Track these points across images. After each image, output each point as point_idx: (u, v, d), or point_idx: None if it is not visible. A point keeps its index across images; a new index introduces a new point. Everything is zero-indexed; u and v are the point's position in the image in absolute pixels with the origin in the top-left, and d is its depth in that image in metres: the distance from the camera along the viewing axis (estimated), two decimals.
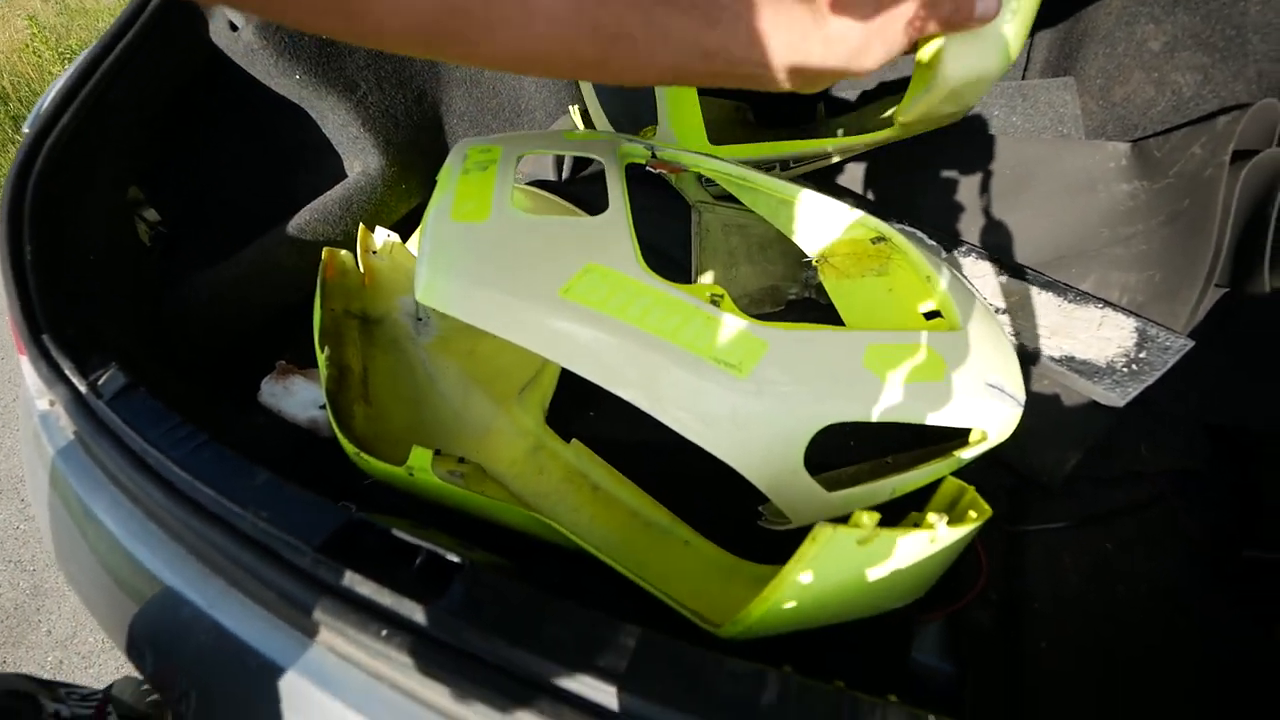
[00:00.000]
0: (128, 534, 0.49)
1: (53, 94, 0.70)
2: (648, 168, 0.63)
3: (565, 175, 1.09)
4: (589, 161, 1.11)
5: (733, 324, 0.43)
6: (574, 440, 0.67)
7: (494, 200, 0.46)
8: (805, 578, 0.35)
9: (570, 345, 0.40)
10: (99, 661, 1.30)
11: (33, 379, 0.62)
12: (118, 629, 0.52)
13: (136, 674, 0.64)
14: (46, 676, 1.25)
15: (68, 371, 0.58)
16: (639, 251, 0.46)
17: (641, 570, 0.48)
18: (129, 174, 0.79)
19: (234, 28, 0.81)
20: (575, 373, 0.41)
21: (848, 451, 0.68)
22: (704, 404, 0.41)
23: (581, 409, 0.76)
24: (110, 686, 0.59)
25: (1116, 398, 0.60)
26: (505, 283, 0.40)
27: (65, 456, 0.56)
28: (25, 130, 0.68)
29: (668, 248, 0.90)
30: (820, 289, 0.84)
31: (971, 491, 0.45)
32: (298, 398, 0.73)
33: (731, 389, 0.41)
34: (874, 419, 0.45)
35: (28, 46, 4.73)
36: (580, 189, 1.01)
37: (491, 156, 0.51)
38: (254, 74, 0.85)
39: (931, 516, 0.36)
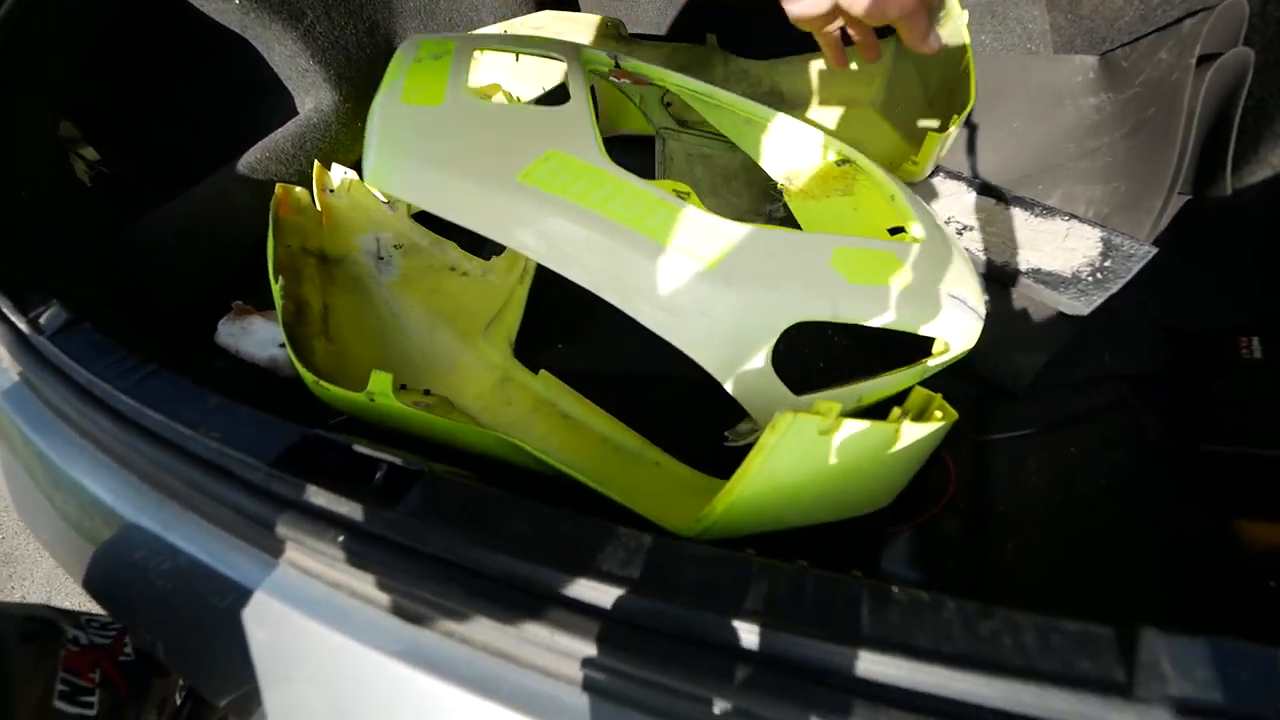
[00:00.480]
0: (77, 468, 0.47)
1: None
2: (610, 78, 0.61)
3: None
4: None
5: (699, 217, 0.42)
6: (542, 371, 0.66)
7: (448, 85, 0.44)
8: (767, 468, 0.34)
9: (528, 230, 0.39)
10: None
11: None
12: (82, 571, 0.51)
13: None
14: None
15: (4, 309, 0.55)
16: (601, 141, 0.44)
17: (609, 487, 0.48)
18: (58, 109, 0.74)
19: None
20: (532, 258, 0.40)
21: (817, 373, 0.68)
22: (669, 293, 0.40)
23: (549, 343, 0.75)
24: None
25: (1081, 306, 0.60)
26: (460, 165, 0.38)
27: (8, 397, 0.54)
28: None
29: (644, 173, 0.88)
30: (785, 221, 0.83)
31: (938, 399, 0.45)
32: (256, 337, 0.70)
33: (698, 278, 0.40)
34: (839, 318, 0.44)
35: None
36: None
37: (446, 48, 0.48)
38: (194, 3, 0.79)
39: (896, 411, 0.36)
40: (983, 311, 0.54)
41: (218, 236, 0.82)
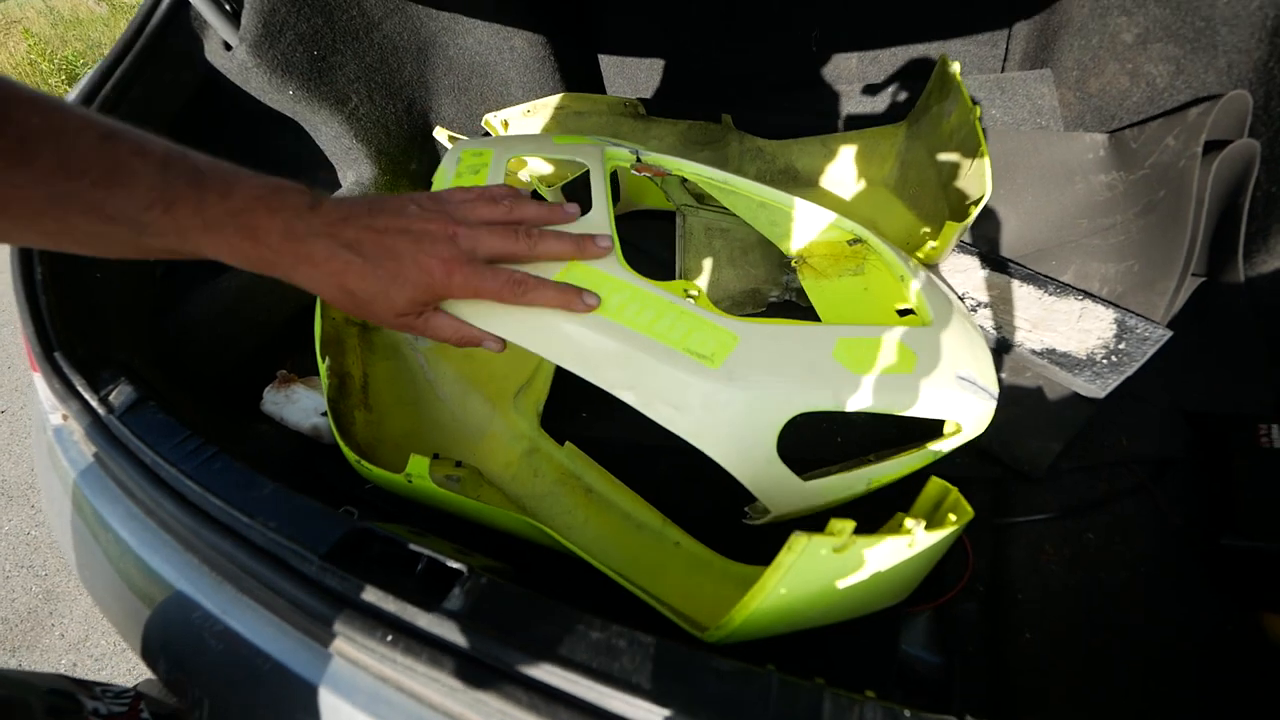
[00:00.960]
0: (142, 544, 0.51)
1: None
2: (633, 171, 0.65)
3: None
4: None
5: (706, 318, 0.45)
6: (567, 443, 0.69)
7: None
8: (784, 585, 0.36)
9: (552, 338, 0.43)
10: (111, 664, 1.33)
11: (46, 395, 0.64)
12: (134, 635, 0.54)
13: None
14: None
15: (79, 388, 0.60)
16: (620, 249, 0.47)
17: (632, 571, 0.50)
18: None
19: (228, 47, 0.83)
20: (558, 365, 0.43)
21: (832, 449, 0.69)
22: (678, 392, 0.43)
23: (574, 411, 0.78)
24: (138, 685, 0.61)
25: (1097, 389, 0.61)
26: None
27: (81, 471, 0.59)
28: None
29: (653, 249, 0.92)
30: (801, 292, 0.86)
31: (955, 493, 0.47)
32: (299, 405, 0.75)
33: (703, 377, 0.43)
34: (844, 408, 0.47)
35: (26, 59, 4.75)
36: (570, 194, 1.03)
37: (483, 160, 0.53)
38: (249, 91, 0.87)
39: (909, 522, 0.38)
40: (995, 393, 0.55)
41: (265, 309, 0.87)
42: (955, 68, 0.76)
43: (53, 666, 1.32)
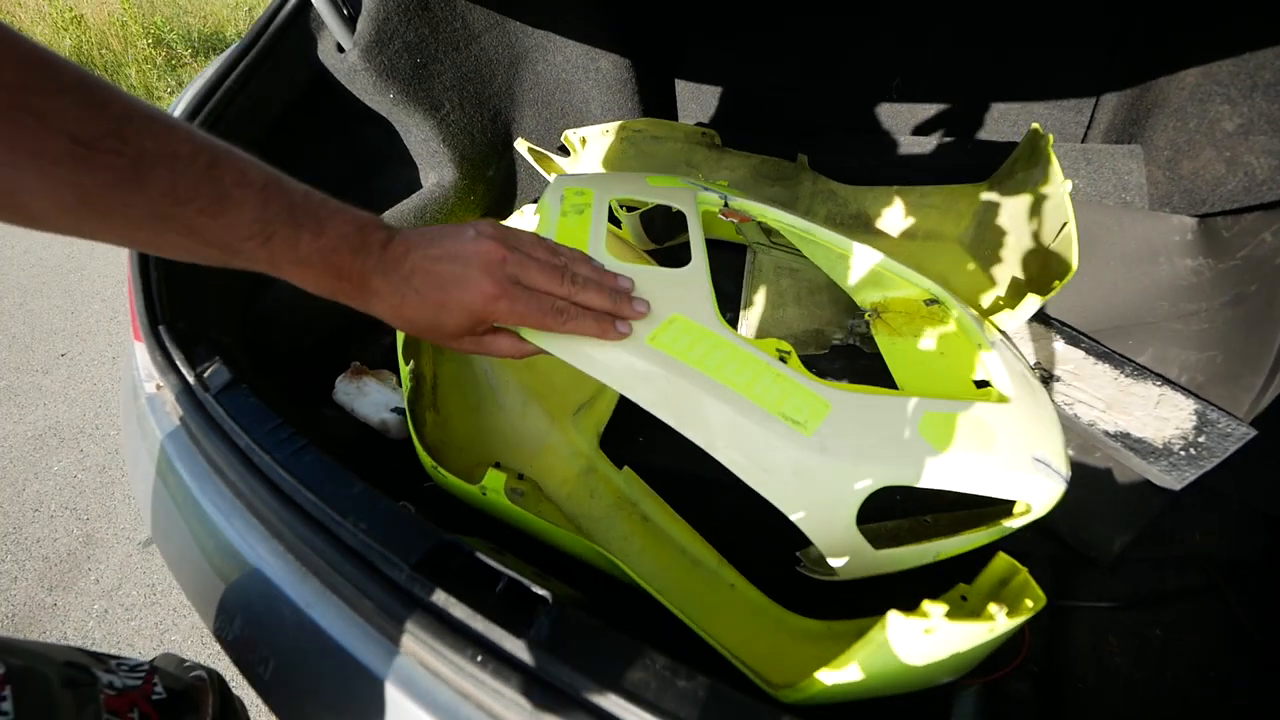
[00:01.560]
0: (225, 520, 0.53)
1: (181, 105, 0.76)
2: (720, 215, 0.66)
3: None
4: None
5: (801, 383, 0.46)
6: (625, 468, 0.70)
7: (589, 245, 0.49)
8: (870, 659, 0.37)
9: (652, 389, 0.44)
10: (140, 615, 1.37)
11: (145, 363, 0.67)
12: (204, 599, 0.56)
13: (176, 652, 0.67)
14: (92, 623, 1.33)
15: (178, 362, 0.63)
16: (717, 305, 0.49)
17: (691, 610, 0.51)
18: None
19: (340, 49, 0.87)
20: (654, 414, 0.44)
21: (891, 504, 0.69)
22: (769, 455, 0.44)
23: (631, 435, 0.79)
24: (154, 659, 0.63)
25: (1173, 481, 0.60)
26: None
27: (172, 441, 0.61)
28: None
29: (720, 282, 0.93)
30: (865, 338, 0.86)
31: (1024, 574, 0.47)
32: (370, 398, 0.77)
33: (796, 444, 0.44)
34: (926, 485, 0.47)
35: (119, 20, 4.99)
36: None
37: (586, 200, 0.54)
38: (353, 91, 0.91)
39: (993, 608, 0.38)
40: (1067, 474, 0.55)
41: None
42: (1048, 140, 0.76)
43: (86, 610, 1.37)
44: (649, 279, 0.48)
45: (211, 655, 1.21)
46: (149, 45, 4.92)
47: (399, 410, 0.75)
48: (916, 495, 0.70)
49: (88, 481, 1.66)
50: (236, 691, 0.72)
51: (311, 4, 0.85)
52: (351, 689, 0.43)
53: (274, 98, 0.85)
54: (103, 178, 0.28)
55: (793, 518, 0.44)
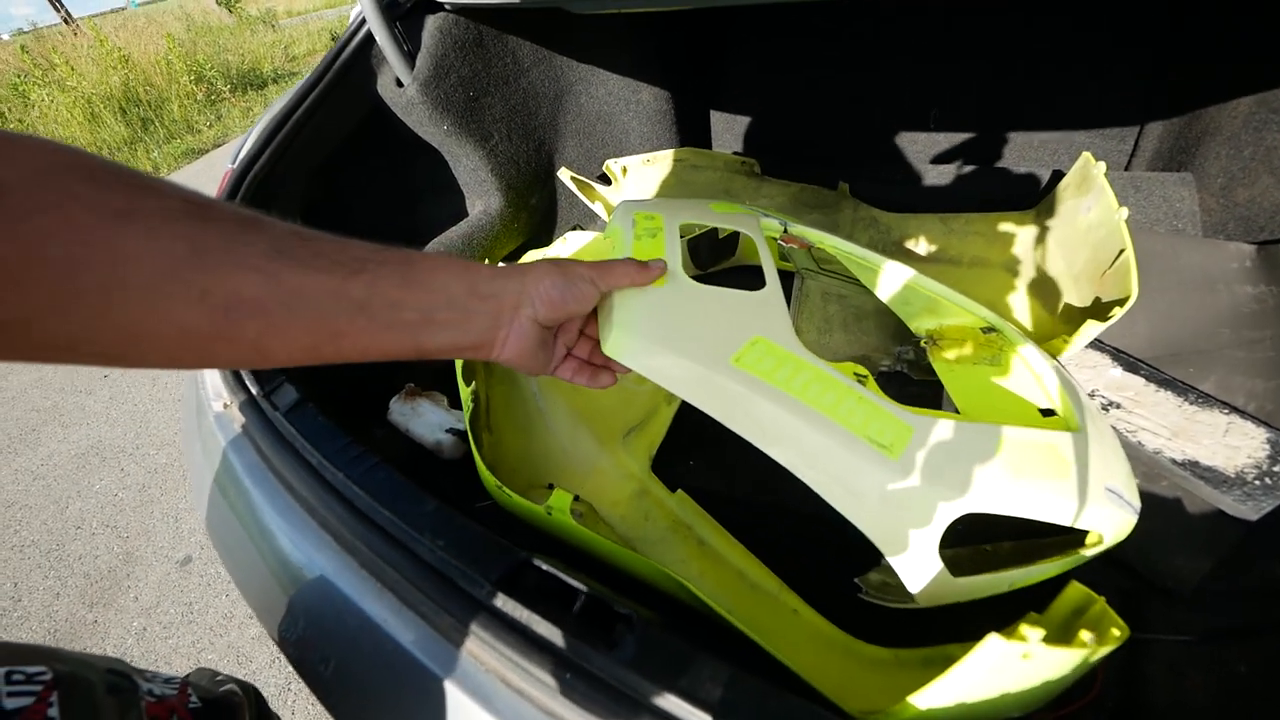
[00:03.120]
0: (299, 540, 0.54)
1: (253, 137, 0.80)
2: (780, 241, 0.67)
3: None
4: None
5: (883, 406, 0.46)
6: (679, 490, 0.70)
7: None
8: (968, 686, 0.36)
9: (738, 409, 0.44)
10: (178, 633, 1.37)
11: (214, 383, 0.69)
12: (271, 613, 0.57)
13: (211, 667, 0.67)
14: (130, 641, 1.34)
15: (247, 381, 0.65)
16: (793, 326, 0.49)
17: (758, 635, 0.50)
18: (297, 208, 0.88)
19: (400, 84, 0.91)
20: (739, 433, 0.44)
21: (953, 533, 0.68)
22: (857, 479, 0.43)
23: (682, 457, 0.79)
24: (187, 675, 0.63)
25: (1249, 511, 0.59)
26: (685, 347, 0.44)
27: (240, 458, 0.63)
28: (230, 165, 0.78)
29: None
30: (913, 365, 0.85)
31: (1101, 603, 0.45)
32: (424, 419, 0.78)
33: (884, 468, 0.43)
34: (1006, 514, 0.46)
35: (164, 58, 5.27)
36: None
37: (657, 224, 0.56)
38: (409, 123, 0.95)
39: (1085, 635, 0.37)
40: (1137, 505, 0.53)
41: None
42: (1100, 168, 0.76)
43: (125, 627, 1.38)
44: (728, 301, 0.49)
45: (249, 674, 1.21)
46: (190, 81, 5.19)
47: (453, 431, 0.76)
48: (978, 524, 0.69)
49: (128, 500, 1.70)
50: (274, 708, 0.71)
51: (374, 41, 0.89)
52: (432, 707, 0.43)
53: (334, 129, 0.89)
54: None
55: (876, 541, 0.44)
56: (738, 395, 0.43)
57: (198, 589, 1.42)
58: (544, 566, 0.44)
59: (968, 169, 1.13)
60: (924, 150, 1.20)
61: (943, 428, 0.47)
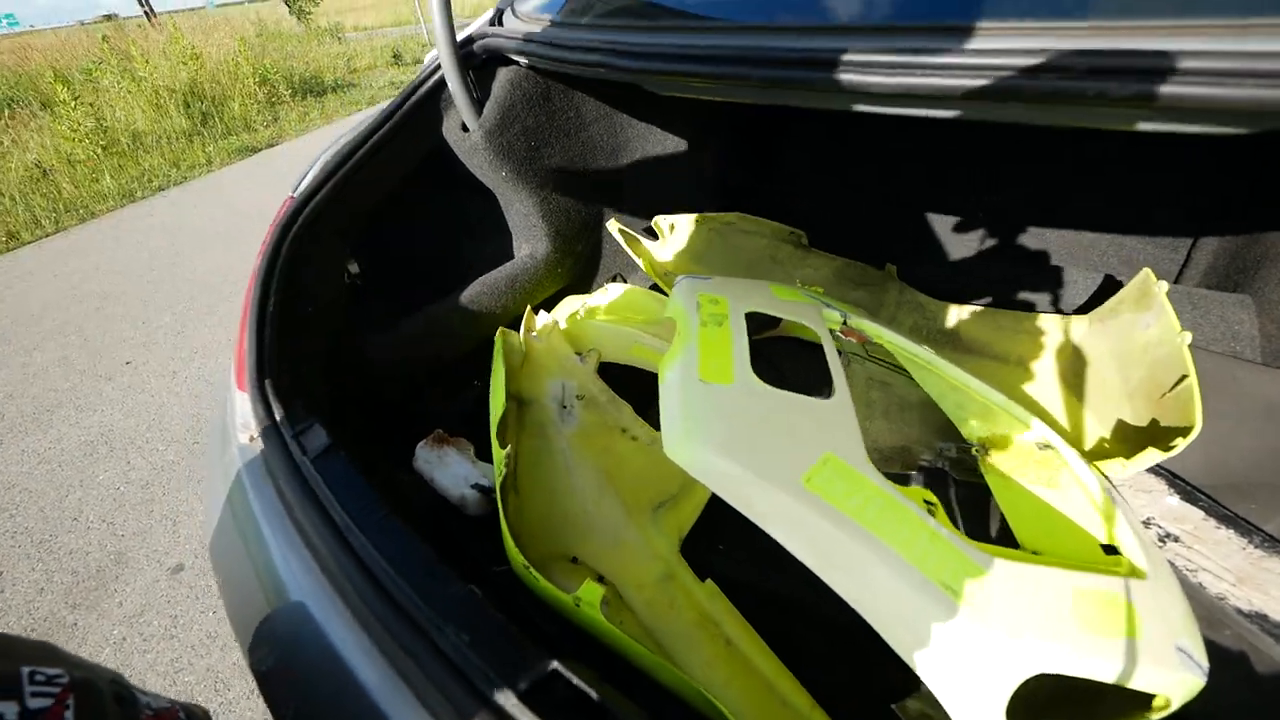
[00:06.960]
0: (313, 603, 0.51)
1: (317, 167, 0.80)
2: (839, 333, 0.66)
3: None
4: None
5: (954, 544, 0.43)
6: (709, 580, 0.66)
7: (734, 364, 0.49)
8: None
9: (804, 533, 0.41)
10: (158, 647, 1.33)
11: (244, 414, 0.68)
12: (260, 659, 0.54)
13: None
14: (108, 651, 1.30)
15: (279, 421, 0.63)
16: (863, 441, 0.47)
17: None
18: (351, 240, 0.88)
19: (465, 129, 0.92)
20: (802, 560, 0.41)
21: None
22: (922, 624, 0.40)
23: (711, 542, 0.76)
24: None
25: None
26: (753, 461, 0.42)
27: (260, 500, 0.61)
28: (292, 194, 0.78)
29: (800, 378, 0.91)
30: (956, 464, 0.82)
31: None
32: (450, 470, 0.76)
33: (951, 615, 0.40)
34: (1078, 674, 0.43)
35: (232, 60, 5.51)
36: None
37: (722, 310, 0.54)
38: (469, 166, 0.95)
39: None
40: (1207, 666, 0.50)
41: (431, 355, 0.92)
42: (1162, 287, 0.75)
43: (105, 635, 1.34)
44: (796, 409, 0.47)
45: (225, 703, 1.16)
46: (255, 83, 5.39)
47: (478, 487, 0.74)
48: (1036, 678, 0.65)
49: (129, 496, 1.67)
50: None
51: (445, 86, 0.91)
52: None
53: (396, 169, 0.90)
54: None
55: (940, 696, 0.40)
56: (805, 521, 0.40)
57: (185, 601, 1.37)
58: (574, 680, 0.41)
59: (1015, 264, 1.12)
60: (971, 243, 1.20)
61: (1010, 570, 0.44)
